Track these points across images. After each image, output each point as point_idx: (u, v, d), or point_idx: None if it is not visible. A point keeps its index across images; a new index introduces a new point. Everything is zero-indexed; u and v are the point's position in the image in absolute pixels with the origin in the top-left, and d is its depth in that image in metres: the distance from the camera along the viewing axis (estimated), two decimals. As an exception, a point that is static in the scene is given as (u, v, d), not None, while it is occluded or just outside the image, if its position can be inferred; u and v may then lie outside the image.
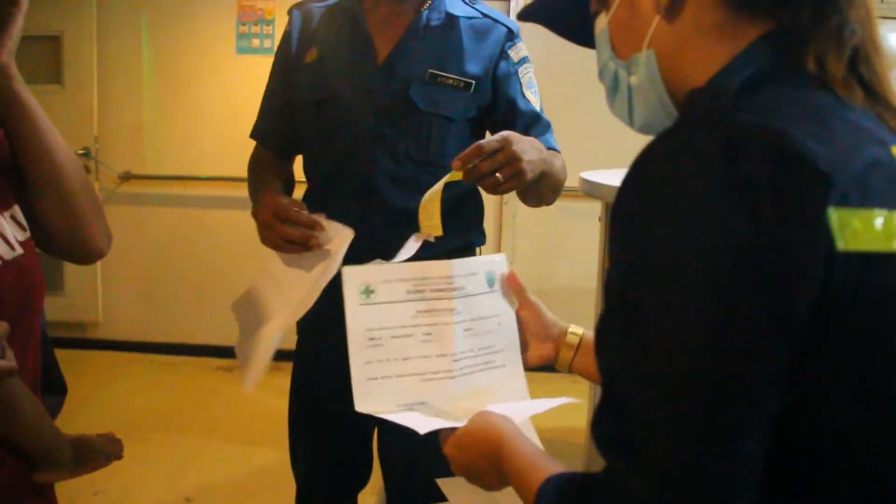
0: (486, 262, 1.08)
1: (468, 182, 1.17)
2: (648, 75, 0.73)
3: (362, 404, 0.96)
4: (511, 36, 1.49)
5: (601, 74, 0.82)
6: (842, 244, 0.54)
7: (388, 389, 0.97)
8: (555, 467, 0.72)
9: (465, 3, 1.50)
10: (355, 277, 0.99)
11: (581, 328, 1.07)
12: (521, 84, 1.49)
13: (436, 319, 0.98)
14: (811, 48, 0.64)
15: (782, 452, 0.57)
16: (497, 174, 1.15)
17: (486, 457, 0.84)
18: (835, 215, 0.54)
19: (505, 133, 1.19)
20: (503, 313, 1.05)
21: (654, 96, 0.74)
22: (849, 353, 0.56)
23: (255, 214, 1.39)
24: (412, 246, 1.21)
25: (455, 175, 1.15)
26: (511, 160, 1.16)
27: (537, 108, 1.49)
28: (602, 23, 0.78)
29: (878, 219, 0.56)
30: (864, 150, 0.58)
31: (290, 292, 1.32)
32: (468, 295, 1.02)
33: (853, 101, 0.64)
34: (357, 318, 0.99)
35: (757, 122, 0.57)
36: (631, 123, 0.80)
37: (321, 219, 1.27)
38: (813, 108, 0.61)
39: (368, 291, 0.98)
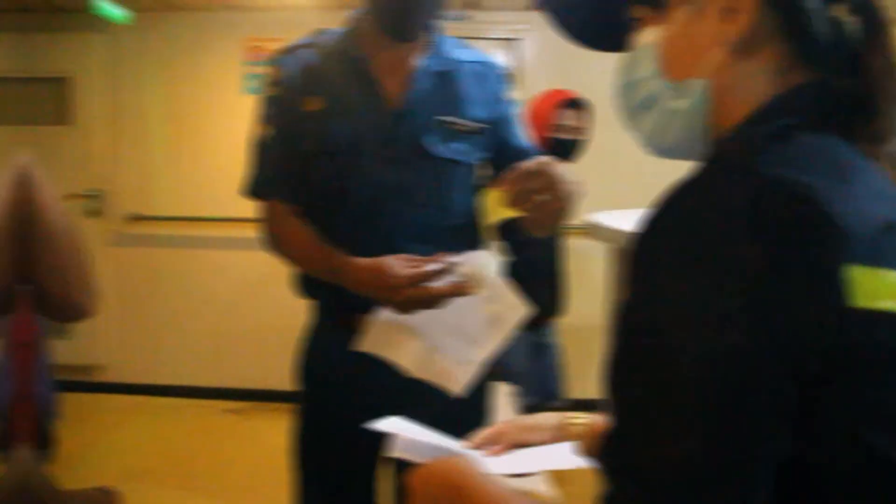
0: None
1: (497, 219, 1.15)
2: (698, 104, 0.72)
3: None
4: (504, 79, 1.52)
5: (629, 86, 0.77)
6: (853, 301, 0.55)
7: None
8: (527, 502, 0.72)
9: (460, 47, 1.50)
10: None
11: (583, 416, 0.99)
12: (517, 124, 1.51)
13: None
14: (845, 104, 0.66)
15: (783, 502, 0.58)
16: (551, 204, 1.13)
17: (446, 494, 0.82)
18: (849, 272, 0.55)
19: (542, 158, 1.16)
20: None
21: (697, 124, 0.73)
22: (852, 409, 0.57)
23: (352, 282, 1.33)
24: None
25: (497, 198, 1.13)
26: (554, 182, 1.13)
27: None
28: (653, 35, 0.74)
29: (890, 278, 0.57)
30: (881, 210, 0.60)
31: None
32: None
33: (876, 159, 0.65)
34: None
35: (784, 176, 0.58)
36: (652, 144, 0.77)
37: (447, 258, 1.29)
38: (837, 164, 0.62)
39: None
